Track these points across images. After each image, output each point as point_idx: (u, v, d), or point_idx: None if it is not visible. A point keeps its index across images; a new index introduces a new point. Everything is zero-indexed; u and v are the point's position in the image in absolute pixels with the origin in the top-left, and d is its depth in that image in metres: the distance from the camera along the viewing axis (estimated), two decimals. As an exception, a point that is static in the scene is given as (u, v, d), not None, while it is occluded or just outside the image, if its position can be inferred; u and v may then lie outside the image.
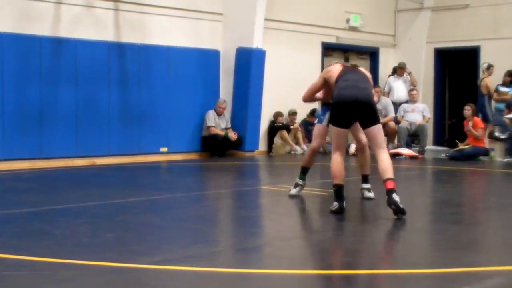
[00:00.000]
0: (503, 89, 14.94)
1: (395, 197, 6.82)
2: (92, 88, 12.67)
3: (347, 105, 7.18)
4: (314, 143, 8.38)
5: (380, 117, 14.95)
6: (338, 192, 7.19)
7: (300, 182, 8.40)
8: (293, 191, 8.37)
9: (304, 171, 8.45)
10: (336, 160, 7.29)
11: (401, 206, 6.81)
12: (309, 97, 8.15)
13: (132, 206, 7.82)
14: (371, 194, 8.20)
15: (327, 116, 8.11)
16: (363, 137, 8.05)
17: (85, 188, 9.43)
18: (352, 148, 14.92)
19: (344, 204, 7.17)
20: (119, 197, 8.43)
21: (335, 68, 7.57)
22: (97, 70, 12.73)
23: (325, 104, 8.24)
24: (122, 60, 13.11)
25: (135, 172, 11.88)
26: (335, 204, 7.14)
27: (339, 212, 7.09)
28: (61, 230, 6.33)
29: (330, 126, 7.59)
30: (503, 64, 15.59)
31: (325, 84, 7.76)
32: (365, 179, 8.33)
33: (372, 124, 7.21)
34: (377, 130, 7.26)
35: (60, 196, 8.71)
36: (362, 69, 7.68)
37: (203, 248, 5.71)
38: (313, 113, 15.67)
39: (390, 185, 6.90)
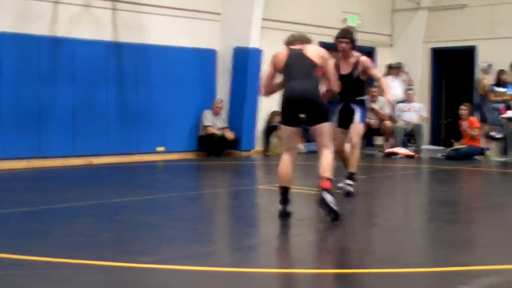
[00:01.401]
0: (500, 89, 14.97)
1: (328, 197, 6.59)
2: (90, 88, 12.68)
3: (293, 102, 6.84)
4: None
5: (376, 117, 15.21)
6: (282, 195, 6.92)
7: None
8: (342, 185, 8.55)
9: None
10: (283, 161, 6.98)
11: (335, 207, 6.60)
12: (267, 88, 7.24)
13: (130, 205, 7.84)
14: (350, 188, 8.33)
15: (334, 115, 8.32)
16: (353, 136, 8.21)
17: (83, 188, 9.44)
18: (347, 147, 14.93)
19: (288, 207, 6.91)
20: (117, 197, 8.45)
21: (280, 56, 7.03)
22: (95, 70, 12.74)
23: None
24: (120, 60, 13.12)
25: (132, 171, 11.90)
26: (280, 207, 6.93)
27: (284, 216, 6.87)
28: (58, 229, 6.35)
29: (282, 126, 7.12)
30: (499, 64, 15.64)
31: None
32: (349, 176, 8.49)
33: (317, 122, 6.87)
34: (323, 129, 6.89)
35: (57, 195, 8.72)
36: (309, 52, 6.97)
37: (200, 247, 5.73)
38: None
39: (325, 184, 6.65)
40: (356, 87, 8.63)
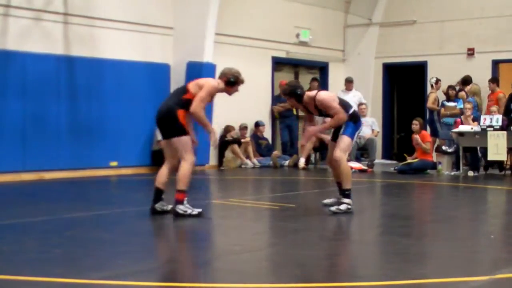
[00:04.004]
0: (450, 103, 15.20)
1: (179, 210, 7.70)
2: (41, 102, 12.50)
3: (156, 118, 7.91)
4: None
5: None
6: (154, 194, 8.04)
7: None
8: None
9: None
10: (161, 168, 8.16)
11: (186, 213, 7.69)
12: None
13: (81, 221, 7.74)
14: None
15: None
16: (334, 152, 8.16)
17: (33, 203, 9.29)
18: (301, 162, 15.05)
19: (157, 205, 7.97)
20: (68, 212, 8.32)
21: None
22: (46, 84, 12.57)
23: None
24: (71, 74, 12.97)
25: (84, 186, 11.75)
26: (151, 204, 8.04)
27: (152, 213, 7.96)
28: (8, 246, 6.22)
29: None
30: (449, 79, 15.89)
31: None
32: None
33: (168, 137, 7.83)
34: (175, 143, 7.81)
35: (7, 211, 8.55)
36: (193, 82, 8.09)
37: (153, 262, 5.68)
38: (257, 125, 15.94)
39: (176, 196, 7.76)
40: None
